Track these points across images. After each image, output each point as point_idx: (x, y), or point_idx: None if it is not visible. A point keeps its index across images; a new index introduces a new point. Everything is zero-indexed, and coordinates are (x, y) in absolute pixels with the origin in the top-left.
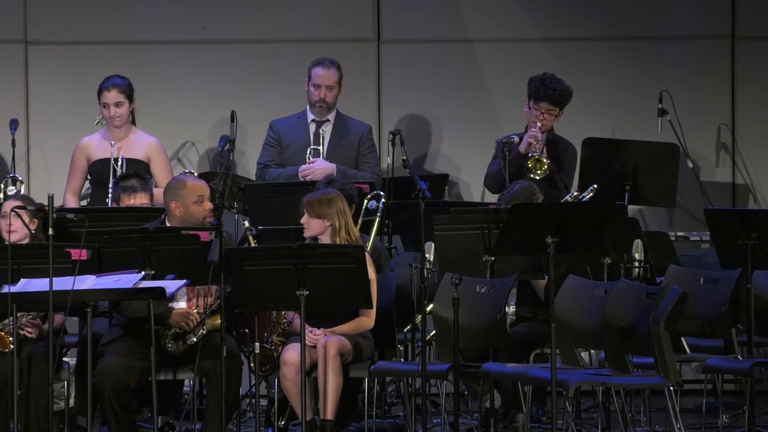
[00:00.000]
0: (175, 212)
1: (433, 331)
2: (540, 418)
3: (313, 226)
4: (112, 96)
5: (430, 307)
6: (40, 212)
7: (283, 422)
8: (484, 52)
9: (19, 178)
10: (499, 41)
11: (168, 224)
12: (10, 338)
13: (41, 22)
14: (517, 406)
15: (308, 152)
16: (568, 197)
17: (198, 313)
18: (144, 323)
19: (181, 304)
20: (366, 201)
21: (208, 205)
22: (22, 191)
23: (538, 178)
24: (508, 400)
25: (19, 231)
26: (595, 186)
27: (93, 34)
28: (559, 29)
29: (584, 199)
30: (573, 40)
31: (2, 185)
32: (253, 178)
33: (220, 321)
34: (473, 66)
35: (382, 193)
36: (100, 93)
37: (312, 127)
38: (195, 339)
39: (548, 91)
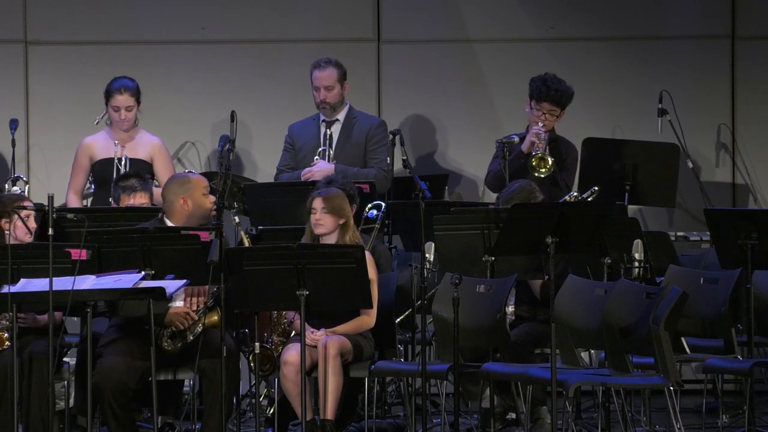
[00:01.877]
0: (183, 207)
1: (430, 321)
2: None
3: (327, 223)
4: (125, 100)
5: (431, 293)
6: (40, 212)
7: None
8: (484, 52)
9: (24, 178)
10: (499, 41)
11: (169, 222)
12: (6, 335)
13: (41, 22)
14: (541, 401)
15: (317, 154)
16: (567, 197)
17: (194, 311)
18: (141, 323)
19: (177, 304)
20: (366, 210)
21: (212, 197)
22: (27, 191)
23: (542, 176)
24: (508, 400)
25: (21, 229)
26: (596, 188)
27: (93, 34)
28: (559, 29)
29: (586, 197)
30: (573, 40)
31: (8, 185)
32: (253, 177)
33: (216, 318)
34: (473, 66)
35: (383, 203)
36: (110, 95)
37: (322, 129)
38: (192, 337)
39: (550, 92)
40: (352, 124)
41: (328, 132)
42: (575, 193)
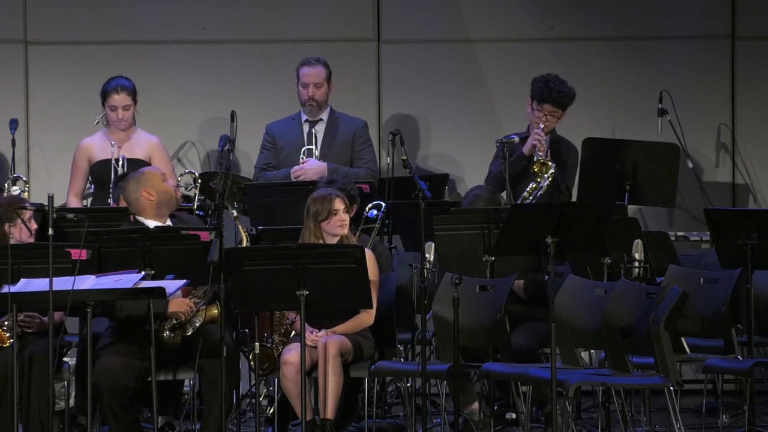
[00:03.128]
0: (149, 200)
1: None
2: (540, 418)
3: (348, 222)
4: (121, 99)
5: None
6: (40, 212)
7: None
8: (484, 52)
9: (23, 178)
10: (499, 41)
11: (134, 219)
12: (8, 334)
13: (41, 22)
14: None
15: (302, 153)
16: (525, 193)
17: (195, 302)
18: (140, 323)
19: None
20: (366, 210)
21: (173, 181)
22: (26, 192)
23: (546, 182)
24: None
25: (24, 232)
26: (553, 170)
27: (93, 34)
28: (559, 29)
29: (543, 186)
30: (573, 40)
31: (7, 185)
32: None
33: (215, 312)
34: (473, 66)
35: (383, 203)
36: (106, 95)
37: (305, 128)
38: (191, 330)
39: (552, 94)
40: (336, 124)
41: (313, 131)
42: (533, 185)
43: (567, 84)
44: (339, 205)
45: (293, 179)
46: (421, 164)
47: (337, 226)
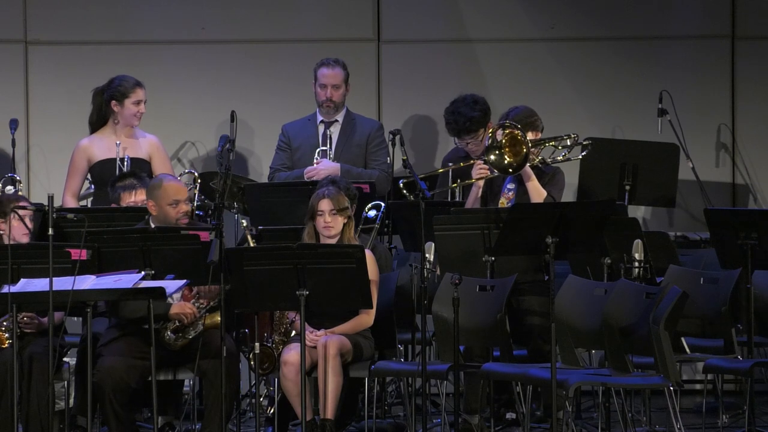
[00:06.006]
0: (151, 210)
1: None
2: (536, 412)
3: (337, 225)
4: (144, 93)
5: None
6: (40, 212)
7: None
8: (484, 52)
9: (18, 178)
10: (499, 41)
11: (150, 223)
12: (7, 335)
13: (41, 22)
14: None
15: (316, 153)
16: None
17: (198, 307)
18: (141, 323)
19: (176, 299)
20: (366, 210)
21: (184, 207)
22: (21, 191)
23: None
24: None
25: (20, 229)
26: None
27: (93, 34)
28: (559, 29)
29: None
30: (573, 40)
31: (1, 184)
32: (253, 177)
33: (218, 319)
34: (473, 66)
35: (382, 203)
36: (128, 91)
37: (321, 129)
38: (193, 334)
39: (459, 128)
40: (351, 125)
41: (329, 132)
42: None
43: (475, 103)
44: (324, 206)
45: (306, 180)
46: (422, 164)
47: (322, 227)
